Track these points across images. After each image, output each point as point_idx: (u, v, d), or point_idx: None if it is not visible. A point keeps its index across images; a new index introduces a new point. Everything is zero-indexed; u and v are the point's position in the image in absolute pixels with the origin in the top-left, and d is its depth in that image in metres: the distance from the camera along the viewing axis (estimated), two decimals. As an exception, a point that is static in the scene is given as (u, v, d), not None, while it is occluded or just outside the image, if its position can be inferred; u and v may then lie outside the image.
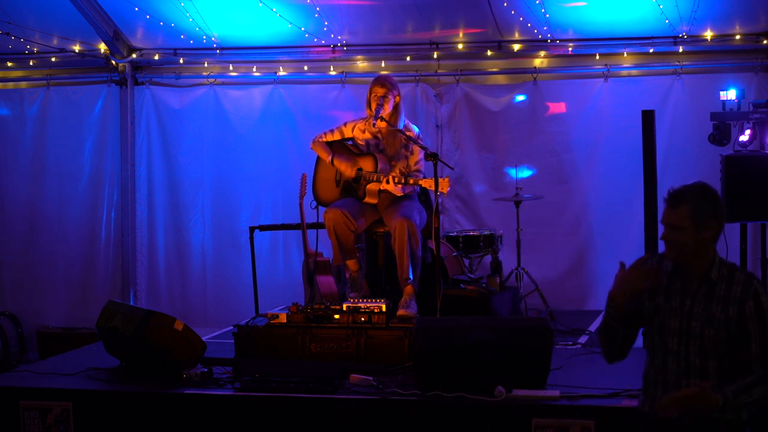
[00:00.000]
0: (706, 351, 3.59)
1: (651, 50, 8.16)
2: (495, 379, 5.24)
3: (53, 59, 9.09)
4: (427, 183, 6.36)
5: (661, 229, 3.73)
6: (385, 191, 6.58)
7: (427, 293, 6.50)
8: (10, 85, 9.42)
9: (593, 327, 7.31)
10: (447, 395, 5.22)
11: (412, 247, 6.32)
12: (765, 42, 7.92)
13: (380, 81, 6.60)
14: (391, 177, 6.46)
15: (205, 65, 8.98)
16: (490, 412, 5.12)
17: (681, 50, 8.12)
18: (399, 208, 6.46)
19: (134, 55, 9.05)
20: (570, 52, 8.35)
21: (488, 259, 7.68)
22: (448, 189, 6.40)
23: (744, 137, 6.41)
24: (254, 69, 8.92)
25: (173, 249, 9.12)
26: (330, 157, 6.72)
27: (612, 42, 8.22)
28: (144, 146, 9.15)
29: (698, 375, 3.60)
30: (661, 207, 7.71)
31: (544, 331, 5.42)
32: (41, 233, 9.29)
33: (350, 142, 6.86)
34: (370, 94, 6.58)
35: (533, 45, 8.39)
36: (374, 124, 6.55)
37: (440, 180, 6.24)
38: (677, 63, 8.15)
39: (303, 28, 8.43)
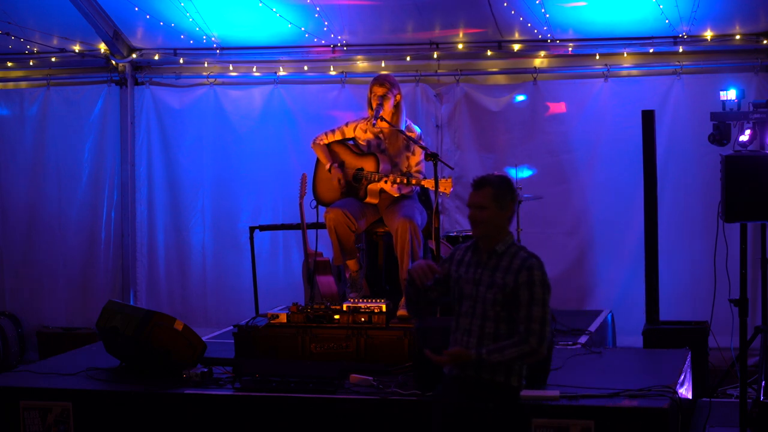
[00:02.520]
0: (486, 314, 4.25)
1: (651, 50, 8.16)
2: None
3: (53, 59, 9.09)
4: (430, 183, 6.36)
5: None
6: (386, 191, 6.58)
7: (427, 293, 6.50)
8: (10, 85, 9.42)
9: (593, 327, 7.31)
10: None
11: (413, 247, 6.32)
12: (765, 42, 7.92)
13: (380, 80, 6.59)
14: (391, 178, 6.46)
15: (205, 65, 8.98)
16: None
17: (681, 50, 8.12)
18: (400, 208, 6.46)
19: (134, 55, 9.05)
20: (570, 52, 8.35)
21: (488, 259, 7.67)
22: (451, 190, 6.40)
23: (744, 137, 6.39)
24: (254, 69, 8.92)
25: (173, 249, 9.12)
26: (329, 165, 6.71)
27: (612, 42, 8.22)
28: (144, 146, 9.15)
29: (477, 335, 4.26)
30: (661, 207, 7.76)
31: (544, 331, 5.41)
32: (41, 233, 9.29)
33: (351, 142, 6.86)
34: (370, 93, 6.58)
35: (533, 45, 8.39)
36: (374, 124, 6.55)
37: (443, 180, 6.25)
38: (677, 63, 8.15)
39: (303, 28, 8.43)
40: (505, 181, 4.34)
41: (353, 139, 6.83)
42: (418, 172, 6.66)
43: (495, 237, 4.30)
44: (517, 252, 4.28)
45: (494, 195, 4.26)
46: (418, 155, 6.64)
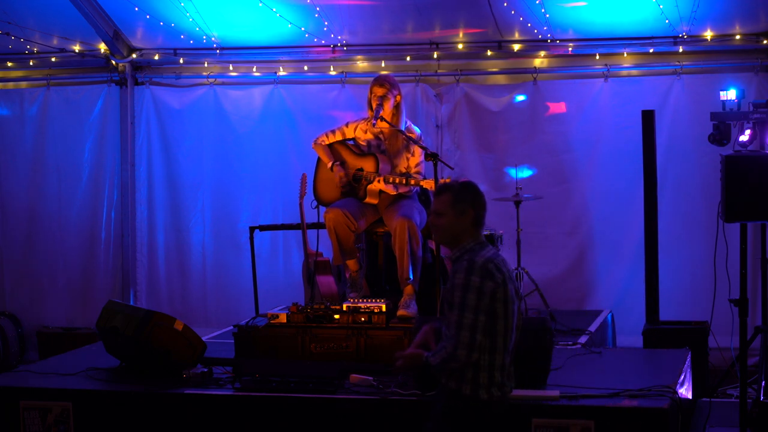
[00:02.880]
0: (445, 322, 4.23)
1: (651, 50, 8.16)
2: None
3: (53, 59, 9.10)
4: (428, 184, 6.36)
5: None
6: (385, 191, 6.58)
7: (427, 293, 6.50)
8: (10, 85, 9.42)
9: (593, 327, 7.31)
10: (447, 395, 5.21)
11: (412, 247, 6.32)
12: (765, 42, 7.92)
13: (379, 81, 6.60)
14: (388, 178, 6.47)
15: (205, 65, 8.98)
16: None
17: (681, 50, 8.12)
18: (399, 208, 6.46)
19: (134, 55, 9.05)
20: (570, 52, 8.35)
21: (488, 259, 7.66)
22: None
23: (744, 137, 6.39)
24: (254, 69, 8.92)
25: (173, 249, 9.12)
26: (331, 164, 6.71)
27: (612, 42, 8.21)
28: (144, 146, 9.15)
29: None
30: (661, 207, 7.77)
31: (544, 331, 5.42)
32: (41, 233, 9.29)
33: (351, 142, 6.86)
34: (370, 93, 6.58)
35: (533, 45, 8.38)
36: (374, 124, 6.55)
37: (440, 181, 6.25)
38: (677, 63, 8.15)
39: (303, 28, 8.44)
40: (466, 187, 4.28)
41: (353, 139, 6.83)
42: (418, 172, 6.66)
43: (455, 244, 4.26)
44: (464, 256, 4.21)
45: (452, 201, 4.23)
46: (417, 156, 6.64)
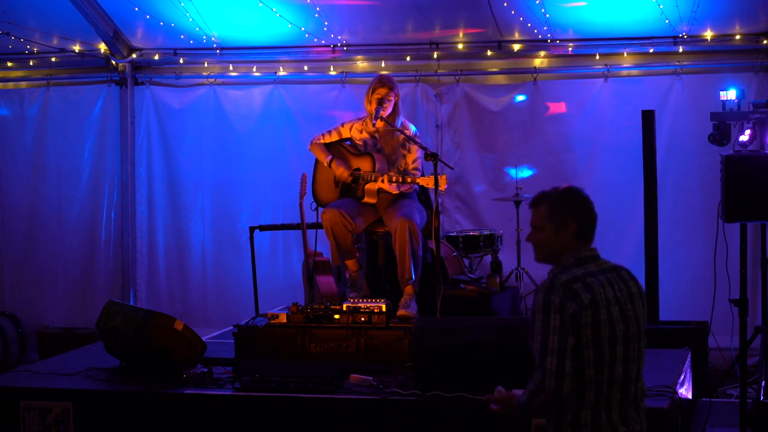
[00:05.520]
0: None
1: (651, 50, 8.16)
2: (495, 379, 5.24)
3: (53, 59, 9.09)
4: (425, 181, 6.36)
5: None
6: (384, 191, 6.58)
7: (427, 293, 6.50)
8: (10, 85, 9.41)
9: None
10: (447, 395, 5.22)
11: (413, 247, 6.32)
12: (765, 42, 7.92)
13: (382, 81, 6.59)
14: (386, 177, 6.47)
15: (205, 65, 8.97)
16: (489, 412, 5.11)
17: (681, 50, 8.12)
18: (399, 208, 6.46)
19: (134, 55, 9.05)
20: (570, 52, 8.35)
21: (488, 259, 7.68)
22: (446, 187, 6.40)
23: (744, 137, 6.40)
24: (254, 69, 8.92)
25: (173, 249, 9.11)
26: (328, 159, 6.72)
27: (612, 42, 8.21)
28: (144, 146, 9.15)
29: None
30: (661, 207, 7.76)
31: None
32: (41, 233, 9.29)
33: (348, 143, 6.86)
34: (372, 93, 6.57)
35: (533, 45, 8.38)
36: (374, 125, 6.56)
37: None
38: (677, 63, 8.15)
39: (303, 28, 8.43)
40: (567, 195, 3.67)
41: (350, 139, 6.83)
42: (416, 169, 6.66)
43: (555, 262, 3.62)
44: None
45: (551, 213, 3.61)
46: (414, 154, 6.64)
